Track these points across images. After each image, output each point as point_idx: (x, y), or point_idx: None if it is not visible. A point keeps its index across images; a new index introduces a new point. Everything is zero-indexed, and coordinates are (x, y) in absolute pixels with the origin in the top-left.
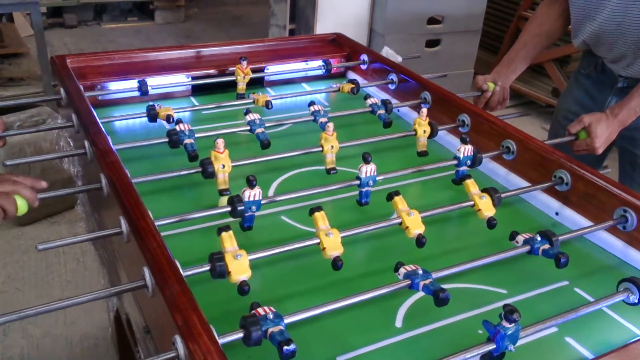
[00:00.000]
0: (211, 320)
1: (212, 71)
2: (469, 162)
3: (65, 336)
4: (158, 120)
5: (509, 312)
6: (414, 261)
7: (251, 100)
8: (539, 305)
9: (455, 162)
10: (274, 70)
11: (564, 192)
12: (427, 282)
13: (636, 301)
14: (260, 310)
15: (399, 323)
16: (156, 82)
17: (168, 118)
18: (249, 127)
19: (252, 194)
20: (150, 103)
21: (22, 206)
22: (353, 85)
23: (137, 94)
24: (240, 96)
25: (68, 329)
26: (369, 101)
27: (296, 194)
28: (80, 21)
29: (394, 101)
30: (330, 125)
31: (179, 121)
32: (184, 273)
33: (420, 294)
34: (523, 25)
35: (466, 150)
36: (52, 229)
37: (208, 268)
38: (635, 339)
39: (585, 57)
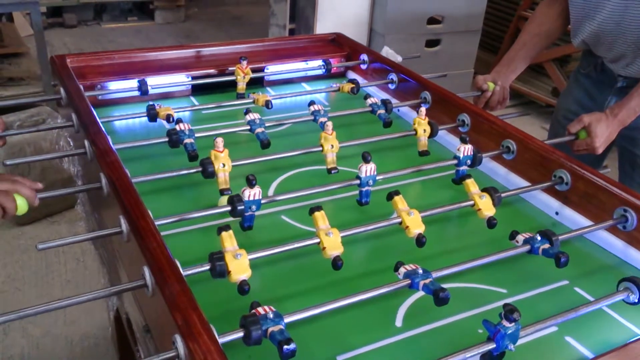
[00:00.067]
0: (211, 320)
1: (212, 71)
2: (469, 161)
3: (65, 336)
4: (158, 119)
5: (509, 312)
6: (414, 261)
7: (251, 100)
8: (539, 305)
9: (455, 161)
10: (274, 70)
11: (564, 191)
12: (427, 281)
13: (636, 300)
14: (260, 309)
15: (399, 322)
16: (156, 82)
17: (168, 118)
18: (249, 127)
19: (252, 194)
20: (150, 103)
21: (22, 205)
22: (353, 85)
23: (137, 93)
24: (240, 96)
25: (68, 329)
26: (369, 101)
27: (296, 194)
28: (80, 21)
29: (394, 101)
30: (330, 124)
31: (178, 121)
32: (184, 272)
33: (420, 293)
34: (523, 25)
35: (466, 149)
36: (52, 228)
37: (208, 267)
38: (635, 338)
39: (584, 56)
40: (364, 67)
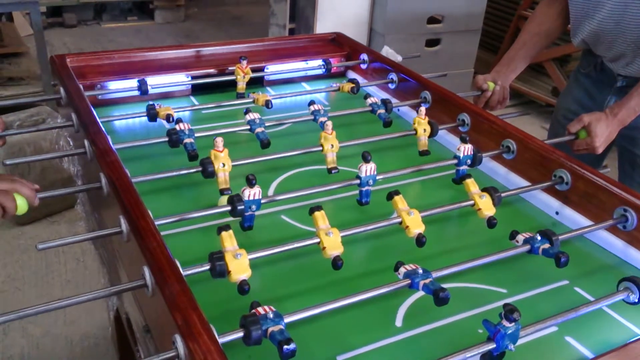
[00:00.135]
0: (211, 320)
1: (211, 70)
2: (469, 161)
3: (65, 335)
4: (158, 119)
5: (509, 312)
6: (414, 260)
7: (251, 100)
8: (539, 305)
9: (455, 161)
10: (274, 69)
11: (564, 191)
12: (427, 281)
13: (636, 300)
14: (260, 309)
15: (399, 322)
16: (156, 82)
17: (168, 117)
18: (248, 127)
19: (251, 193)
20: (150, 102)
21: (22, 205)
22: (353, 85)
23: (136, 93)
24: (240, 95)
25: (68, 329)
26: (369, 100)
27: (296, 194)
28: (80, 21)
29: (394, 100)
30: (329, 123)
31: (178, 120)
32: (183, 272)
33: (420, 293)
34: (523, 25)
35: (466, 149)
36: (52, 228)
37: (208, 267)
38: (635, 338)
39: (584, 56)
40: (364, 66)
